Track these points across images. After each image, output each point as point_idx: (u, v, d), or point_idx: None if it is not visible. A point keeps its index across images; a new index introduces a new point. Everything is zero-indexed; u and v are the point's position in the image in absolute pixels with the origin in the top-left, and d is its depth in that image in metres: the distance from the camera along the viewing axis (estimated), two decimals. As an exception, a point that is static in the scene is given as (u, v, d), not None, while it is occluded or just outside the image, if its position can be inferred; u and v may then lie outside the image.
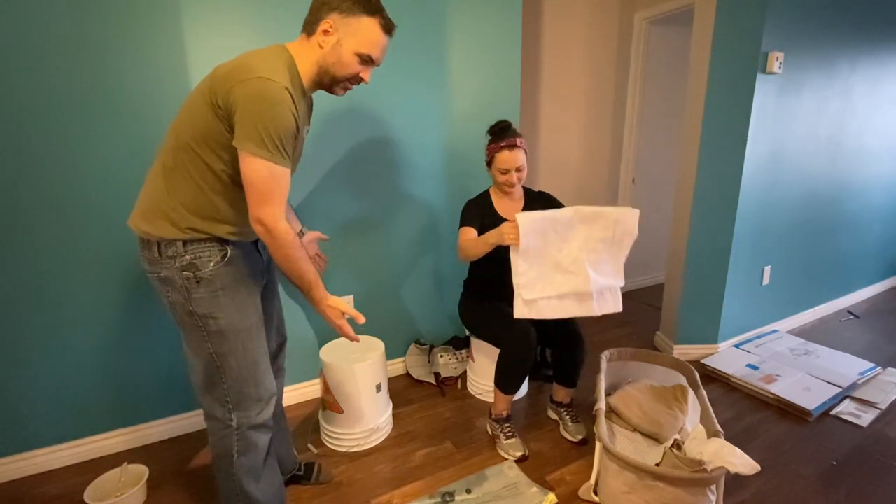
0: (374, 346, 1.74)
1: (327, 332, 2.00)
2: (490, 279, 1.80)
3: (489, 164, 1.71)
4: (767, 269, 2.48)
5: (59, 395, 1.56)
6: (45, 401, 1.54)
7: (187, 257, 1.02)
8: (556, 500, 1.42)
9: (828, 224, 2.74)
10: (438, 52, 2.00)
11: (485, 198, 1.78)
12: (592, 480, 1.43)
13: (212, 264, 1.04)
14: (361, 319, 1.14)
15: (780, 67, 2.08)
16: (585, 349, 1.68)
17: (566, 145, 3.05)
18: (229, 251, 1.06)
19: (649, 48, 2.99)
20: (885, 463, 1.60)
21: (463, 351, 2.24)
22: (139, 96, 1.49)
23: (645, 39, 2.95)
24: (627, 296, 3.40)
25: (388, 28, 1.07)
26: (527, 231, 1.40)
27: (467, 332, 2.20)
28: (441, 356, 2.20)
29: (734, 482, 1.49)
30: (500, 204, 1.77)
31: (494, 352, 1.70)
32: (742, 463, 1.19)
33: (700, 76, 2.08)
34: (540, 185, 3.08)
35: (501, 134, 1.66)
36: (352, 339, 1.15)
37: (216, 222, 1.04)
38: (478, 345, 1.99)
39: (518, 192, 1.77)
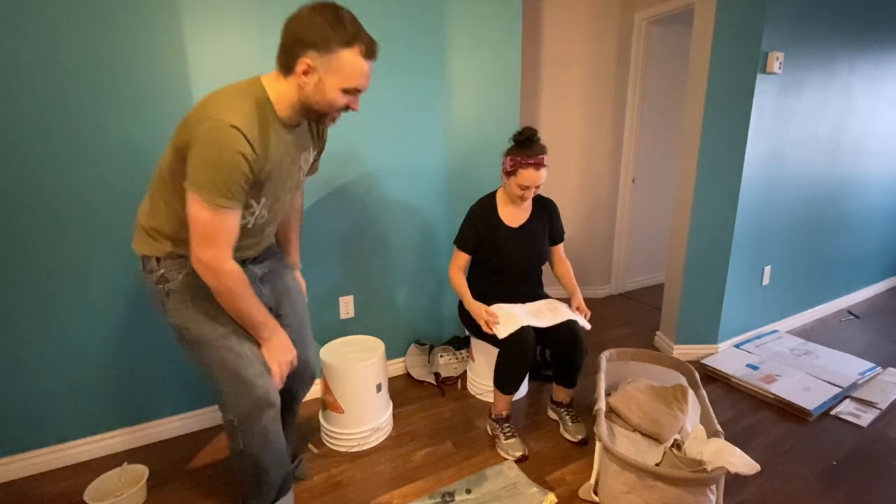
0: (374, 346, 1.74)
1: (327, 332, 2.00)
2: (489, 280, 1.80)
3: (508, 174, 1.64)
4: (767, 269, 2.48)
5: (58, 396, 1.56)
6: (44, 401, 1.54)
7: (160, 272, 1.09)
8: (556, 500, 1.42)
9: (828, 224, 2.74)
10: (438, 52, 2.00)
11: (490, 203, 1.76)
12: (592, 480, 1.43)
13: (181, 276, 1.09)
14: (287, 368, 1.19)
15: (780, 67, 2.09)
16: (585, 349, 1.68)
17: (566, 145, 3.06)
18: None
19: (649, 48, 2.99)
20: (885, 463, 1.60)
21: (463, 351, 2.24)
22: (137, 98, 1.49)
23: (645, 39, 2.95)
24: (628, 296, 3.40)
25: (370, 52, 1.02)
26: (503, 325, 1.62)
27: (467, 332, 2.20)
28: (441, 356, 2.20)
29: (734, 482, 1.49)
30: (505, 210, 1.75)
31: (494, 352, 1.70)
32: (742, 463, 1.19)
33: (700, 76, 2.08)
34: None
35: (529, 147, 1.58)
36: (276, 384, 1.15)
37: (188, 246, 1.06)
38: (478, 345, 1.99)
39: (527, 201, 1.75)
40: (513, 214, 1.75)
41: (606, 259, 3.36)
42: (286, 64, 1.00)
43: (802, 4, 2.13)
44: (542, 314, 1.68)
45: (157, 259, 1.09)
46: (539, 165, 1.57)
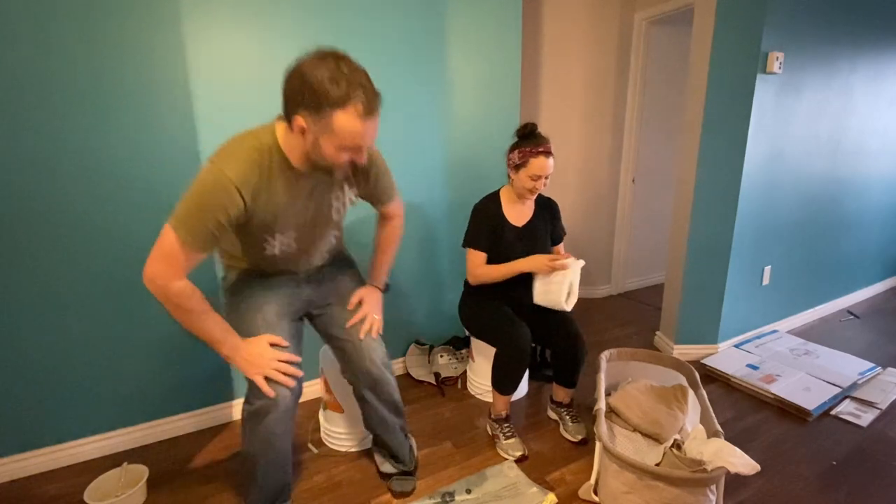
0: (374, 346, 1.74)
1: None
2: (490, 279, 1.80)
3: (517, 167, 1.63)
4: (767, 269, 2.48)
5: (58, 396, 1.56)
6: (44, 401, 1.54)
7: (223, 275, 1.33)
8: (556, 500, 1.42)
9: (828, 224, 2.74)
10: (438, 51, 2.00)
11: (494, 201, 1.74)
12: (592, 480, 1.43)
13: (232, 277, 1.29)
14: (299, 373, 1.16)
15: (780, 67, 2.09)
16: (585, 350, 1.68)
17: (566, 145, 3.06)
18: (250, 270, 1.27)
19: (649, 48, 2.99)
20: (885, 463, 1.60)
21: (463, 351, 2.24)
22: (137, 97, 1.49)
23: (645, 39, 2.95)
24: (627, 296, 3.40)
25: (369, 111, 0.97)
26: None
27: (467, 332, 2.20)
28: (441, 356, 2.20)
29: (734, 482, 1.49)
30: (509, 209, 1.74)
31: (494, 352, 1.69)
32: (742, 463, 1.19)
33: (700, 76, 2.08)
34: (540, 185, 3.08)
35: (536, 138, 1.61)
36: (268, 394, 1.10)
37: (237, 259, 1.27)
38: (478, 345, 1.99)
39: (531, 200, 1.75)
40: (517, 213, 1.75)
41: (606, 259, 3.35)
42: (287, 117, 1.00)
43: (802, 4, 2.13)
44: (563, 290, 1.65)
45: (225, 269, 1.32)
46: (548, 153, 1.59)
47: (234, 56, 1.61)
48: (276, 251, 1.18)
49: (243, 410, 1.14)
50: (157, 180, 1.56)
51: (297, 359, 1.17)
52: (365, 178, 1.26)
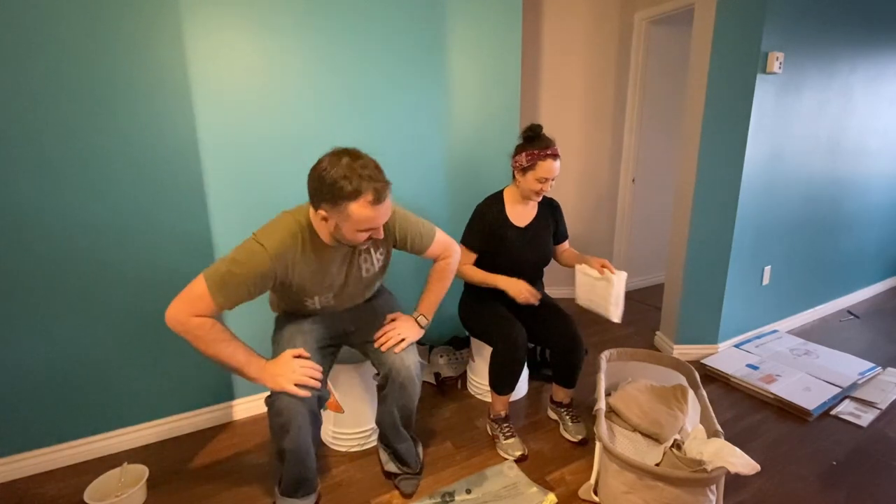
0: (374, 346, 1.74)
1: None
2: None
3: (525, 170, 1.63)
4: (767, 269, 2.48)
5: (58, 396, 1.56)
6: (45, 401, 1.54)
7: (276, 311, 1.51)
8: (556, 500, 1.42)
9: (828, 224, 2.74)
10: (438, 52, 2.00)
11: (497, 202, 1.75)
12: (592, 480, 1.43)
13: (278, 312, 1.49)
14: (318, 375, 1.27)
15: (780, 67, 2.09)
16: (584, 350, 1.68)
17: (566, 145, 3.06)
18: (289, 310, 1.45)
19: (649, 48, 2.99)
20: (885, 463, 1.60)
21: (463, 351, 2.24)
22: (136, 98, 1.49)
23: (645, 39, 2.95)
24: (627, 296, 3.39)
25: (378, 199, 1.12)
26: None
27: (467, 332, 2.20)
28: (441, 356, 2.20)
29: (734, 482, 1.49)
30: (512, 209, 1.74)
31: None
32: (742, 463, 1.19)
33: (700, 76, 2.08)
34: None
35: (542, 140, 1.61)
36: (300, 395, 1.21)
37: (279, 305, 1.45)
38: (478, 345, 1.99)
39: (534, 201, 1.75)
40: (520, 214, 1.75)
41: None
42: (312, 205, 1.17)
43: (802, 4, 2.13)
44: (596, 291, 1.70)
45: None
46: (555, 156, 1.61)
47: (234, 57, 1.61)
48: (317, 306, 1.36)
49: (265, 404, 1.25)
50: (155, 180, 1.56)
51: (318, 367, 1.28)
52: (392, 240, 1.39)
